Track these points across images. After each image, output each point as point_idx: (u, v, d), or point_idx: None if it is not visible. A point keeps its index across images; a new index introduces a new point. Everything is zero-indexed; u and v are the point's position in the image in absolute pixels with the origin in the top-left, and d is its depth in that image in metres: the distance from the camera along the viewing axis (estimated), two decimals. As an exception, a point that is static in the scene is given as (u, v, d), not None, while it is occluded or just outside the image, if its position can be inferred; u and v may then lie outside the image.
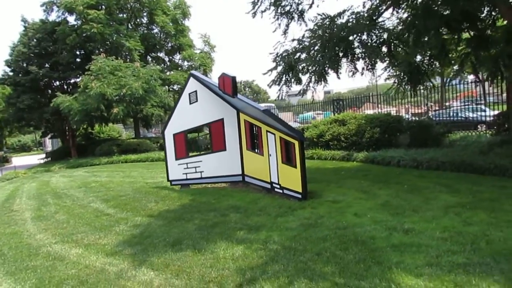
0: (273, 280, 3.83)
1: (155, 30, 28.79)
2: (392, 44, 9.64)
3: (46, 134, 29.80)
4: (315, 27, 8.68)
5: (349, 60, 9.00)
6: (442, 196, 6.40)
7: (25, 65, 24.45)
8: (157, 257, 4.87)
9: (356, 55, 8.90)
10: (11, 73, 25.02)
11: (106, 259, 5.09)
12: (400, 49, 9.65)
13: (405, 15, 9.07)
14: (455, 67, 14.89)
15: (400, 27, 9.42)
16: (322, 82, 9.59)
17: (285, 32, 9.51)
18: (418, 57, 11.58)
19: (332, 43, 8.09)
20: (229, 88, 8.98)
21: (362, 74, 9.90)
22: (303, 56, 8.58)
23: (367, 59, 9.10)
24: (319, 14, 8.81)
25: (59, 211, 8.87)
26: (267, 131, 8.40)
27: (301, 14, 9.45)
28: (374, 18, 9.12)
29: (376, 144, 12.18)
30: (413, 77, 11.48)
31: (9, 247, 6.31)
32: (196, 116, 10.25)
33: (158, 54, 31.12)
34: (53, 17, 25.28)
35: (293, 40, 9.09)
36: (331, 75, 9.90)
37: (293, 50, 8.94)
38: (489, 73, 10.31)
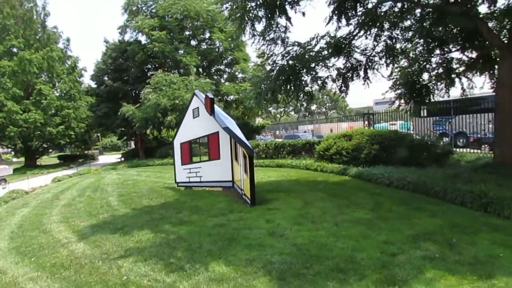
0: (139, 256, 5.30)
1: (216, 45, 31.77)
2: (368, 66, 10.21)
3: (121, 137, 34.81)
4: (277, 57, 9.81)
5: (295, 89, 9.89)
6: (356, 213, 7.02)
7: (105, 78, 29.35)
8: (95, 236, 6.69)
9: (302, 84, 9.75)
10: (94, 86, 30.23)
11: (68, 234, 7.10)
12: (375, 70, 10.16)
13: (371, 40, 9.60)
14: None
15: (377, 49, 9.96)
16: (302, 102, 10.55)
17: (268, 58, 10.72)
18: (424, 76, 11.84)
19: (282, 71, 9.15)
20: (208, 106, 10.60)
21: (341, 92, 10.62)
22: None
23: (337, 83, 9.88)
24: (291, 42, 9.89)
25: (83, 201, 11.39)
26: (238, 144, 9.73)
27: (283, 41, 10.57)
28: (350, 41, 9.85)
29: (373, 160, 12.47)
30: (413, 96, 11.74)
31: (29, 223, 8.79)
32: (198, 128, 12.04)
33: (219, 66, 34.10)
34: (127, 37, 29.94)
35: (269, 64, 10.30)
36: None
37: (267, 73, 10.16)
38: None
